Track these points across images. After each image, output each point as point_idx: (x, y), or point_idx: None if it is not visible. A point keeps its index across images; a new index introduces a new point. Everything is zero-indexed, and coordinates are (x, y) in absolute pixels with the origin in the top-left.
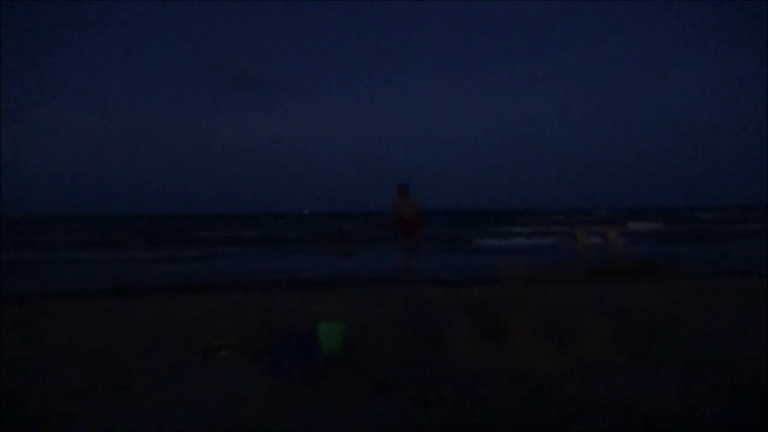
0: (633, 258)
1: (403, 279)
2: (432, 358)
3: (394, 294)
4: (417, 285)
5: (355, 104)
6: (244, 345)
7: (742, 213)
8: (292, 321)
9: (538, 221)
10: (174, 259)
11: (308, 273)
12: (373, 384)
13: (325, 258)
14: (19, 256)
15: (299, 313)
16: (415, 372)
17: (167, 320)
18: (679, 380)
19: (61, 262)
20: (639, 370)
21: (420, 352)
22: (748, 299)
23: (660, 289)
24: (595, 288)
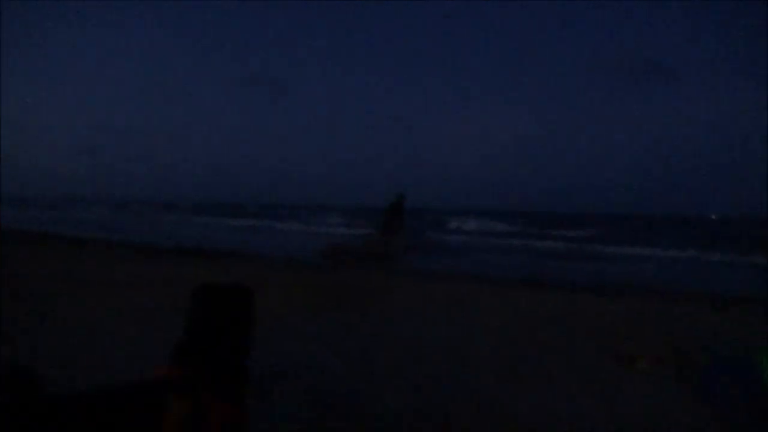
0: None
1: None
2: None
3: None
4: None
5: None
6: (662, 359)
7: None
8: (707, 339)
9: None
10: (593, 257)
11: (725, 285)
12: None
13: None
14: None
15: (713, 330)
16: None
17: (573, 317)
18: None
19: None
20: None
21: None
22: None
23: None
24: None
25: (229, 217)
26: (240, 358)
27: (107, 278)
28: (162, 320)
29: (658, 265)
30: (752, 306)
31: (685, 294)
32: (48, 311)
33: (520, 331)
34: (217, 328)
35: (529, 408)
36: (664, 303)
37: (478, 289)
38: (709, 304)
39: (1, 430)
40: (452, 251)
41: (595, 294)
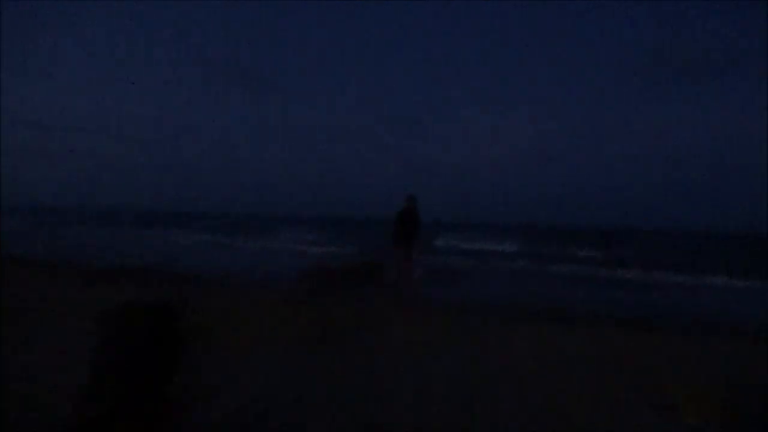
0: None
1: None
2: None
3: None
4: None
5: None
6: (714, 409)
7: None
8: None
9: None
10: (618, 283)
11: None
12: None
13: None
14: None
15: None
16: None
17: (605, 358)
18: None
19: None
20: None
21: None
22: None
23: None
24: None
25: (185, 228)
26: (158, 386)
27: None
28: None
29: (693, 291)
30: None
31: (735, 327)
32: None
33: (547, 376)
34: (126, 359)
35: None
36: (708, 338)
37: (494, 323)
38: (766, 342)
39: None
40: (458, 275)
41: (628, 328)
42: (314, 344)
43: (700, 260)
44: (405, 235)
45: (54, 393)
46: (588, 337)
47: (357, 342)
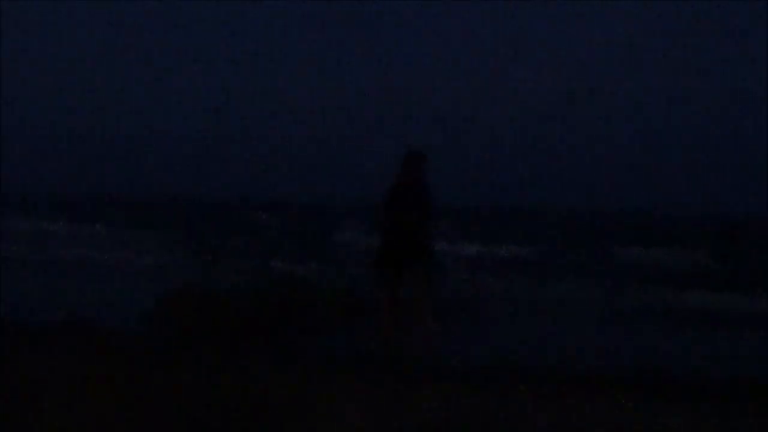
0: None
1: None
2: None
3: None
4: None
5: None
6: None
7: None
8: None
9: None
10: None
11: None
12: None
13: None
14: None
15: None
16: None
17: None
18: None
19: None
20: None
21: None
22: None
23: None
24: None
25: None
26: None
27: None
28: None
29: None
30: None
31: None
32: None
33: None
34: None
35: None
36: None
37: (537, 404)
38: None
39: None
40: (471, 313)
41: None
42: None
43: None
44: (403, 240)
45: None
46: (689, 422)
47: None
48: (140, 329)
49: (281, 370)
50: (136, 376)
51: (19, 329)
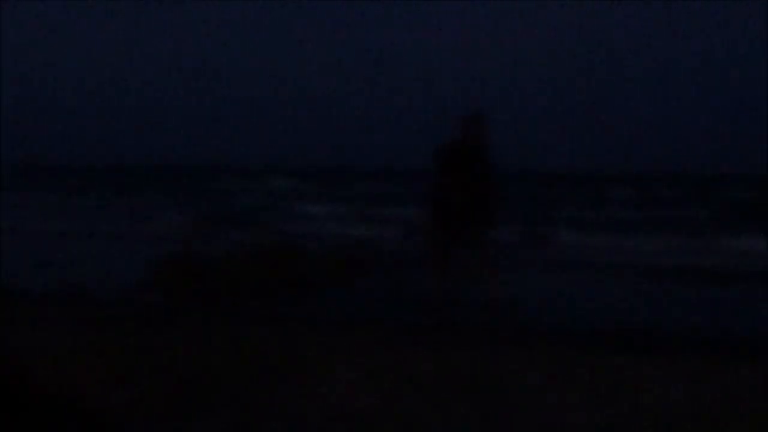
0: None
1: None
2: None
3: None
4: None
5: None
6: None
7: None
8: None
9: None
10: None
11: None
12: None
13: None
14: None
15: None
16: None
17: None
18: None
19: None
20: None
21: None
22: None
23: None
24: None
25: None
26: None
27: None
28: None
29: None
30: None
31: None
32: None
33: None
34: None
35: None
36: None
37: (529, 359)
38: None
39: None
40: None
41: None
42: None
43: None
44: (463, 203)
45: None
46: (681, 375)
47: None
48: (134, 295)
49: (273, 331)
50: (129, 339)
51: (15, 298)
